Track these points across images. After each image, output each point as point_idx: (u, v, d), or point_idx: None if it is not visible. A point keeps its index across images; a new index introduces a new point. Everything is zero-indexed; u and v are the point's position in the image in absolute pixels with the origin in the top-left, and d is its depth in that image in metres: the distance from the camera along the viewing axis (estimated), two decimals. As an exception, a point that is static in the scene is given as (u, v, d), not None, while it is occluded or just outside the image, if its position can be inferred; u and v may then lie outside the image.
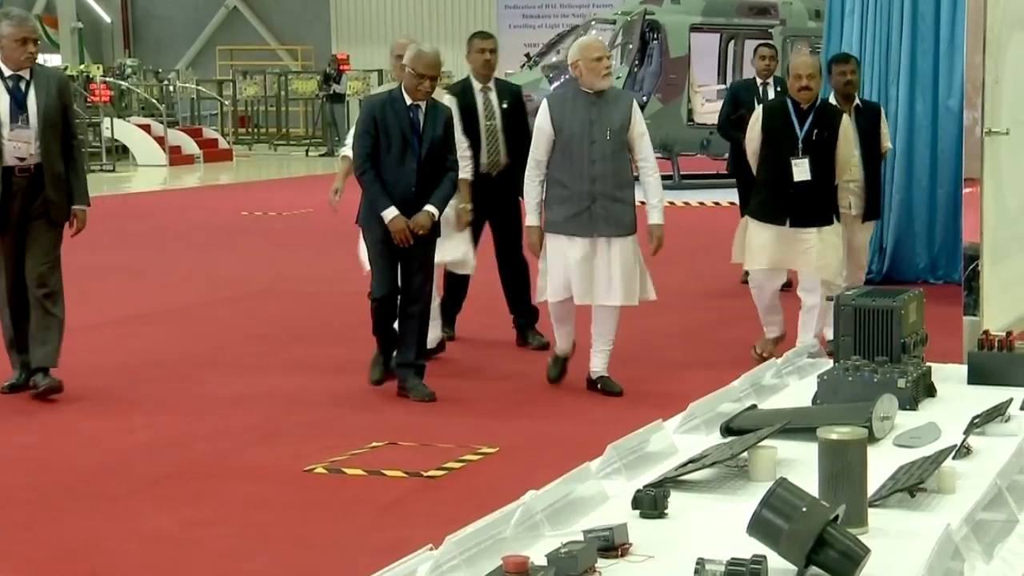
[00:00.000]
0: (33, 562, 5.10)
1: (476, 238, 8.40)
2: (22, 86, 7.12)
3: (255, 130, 31.49)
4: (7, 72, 7.12)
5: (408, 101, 6.98)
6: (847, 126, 7.49)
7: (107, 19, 37.02)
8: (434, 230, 7.12)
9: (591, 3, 29.11)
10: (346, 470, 6.12)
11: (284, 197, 18.25)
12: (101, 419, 7.00)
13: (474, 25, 33.32)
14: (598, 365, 7.00)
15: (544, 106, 7.08)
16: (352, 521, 5.46)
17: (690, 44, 19.57)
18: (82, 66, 27.65)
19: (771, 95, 10.00)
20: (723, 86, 21.40)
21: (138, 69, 29.33)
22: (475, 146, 8.08)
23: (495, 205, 7.99)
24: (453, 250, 7.95)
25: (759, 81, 10.46)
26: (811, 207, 7.37)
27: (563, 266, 7.01)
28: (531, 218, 7.15)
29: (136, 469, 6.16)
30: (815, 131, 7.35)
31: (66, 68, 28.17)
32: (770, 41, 11.20)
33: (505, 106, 8.31)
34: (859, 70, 8.62)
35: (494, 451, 6.38)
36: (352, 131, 7.64)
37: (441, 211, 7.09)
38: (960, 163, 6.76)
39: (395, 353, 7.27)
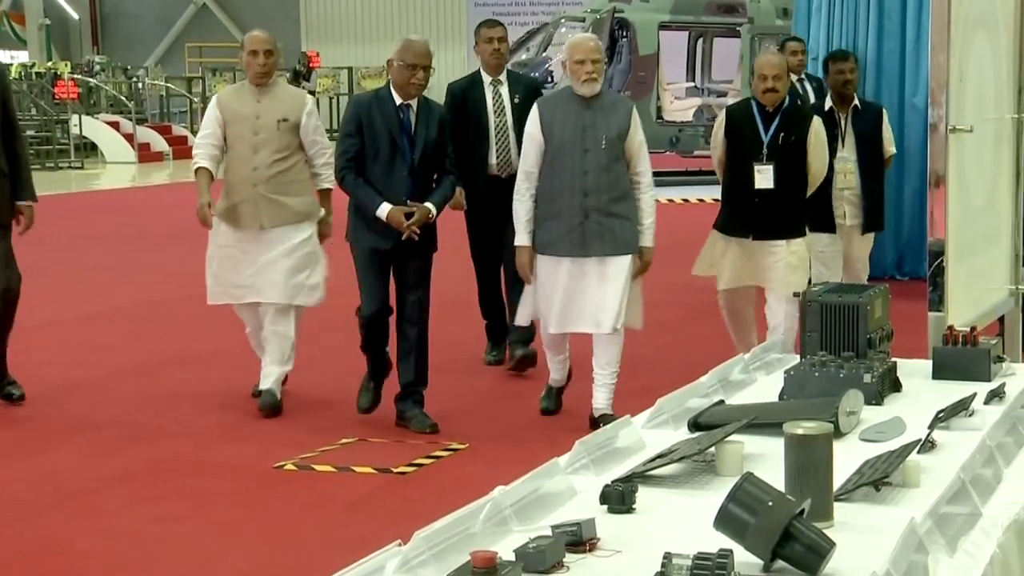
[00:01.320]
0: (1, 560, 5.08)
1: (488, 247, 7.75)
2: None
3: (224, 127, 31.34)
4: None
5: (398, 100, 6.36)
6: (818, 130, 6.89)
7: (75, 16, 36.80)
8: (431, 238, 6.53)
9: (561, 1, 29.16)
10: (316, 467, 6.13)
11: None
12: (67, 416, 6.98)
13: (444, 23, 33.37)
14: (601, 401, 6.29)
15: (534, 111, 6.43)
16: (321, 518, 5.46)
17: (659, 42, 19.61)
18: (50, 63, 27.50)
19: (810, 92, 9.52)
20: (692, 83, 21.51)
21: (107, 66, 29.19)
22: (483, 145, 7.54)
23: (505, 209, 6.78)
24: None
25: (794, 78, 9.47)
26: (777, 218, 6.77)
27: (551, 290, 6.34)
28: (521, 236, 6.40)
29: (104, 466, 6.14)
30: (781, 135, 6.77)
31: (33, 64, 28.01)
32: (797, 36, 10.62)
33: (517, 100, 7.62)
34: (858, 68, 8.16)
35: (464, 447, 6.39)
36: (198, 137, 7.15)
37: (439, 211, 6.51)
38: (925, 160, 6.72)
39: (404, 383, 6.58)
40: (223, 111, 6.94)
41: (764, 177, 6.73)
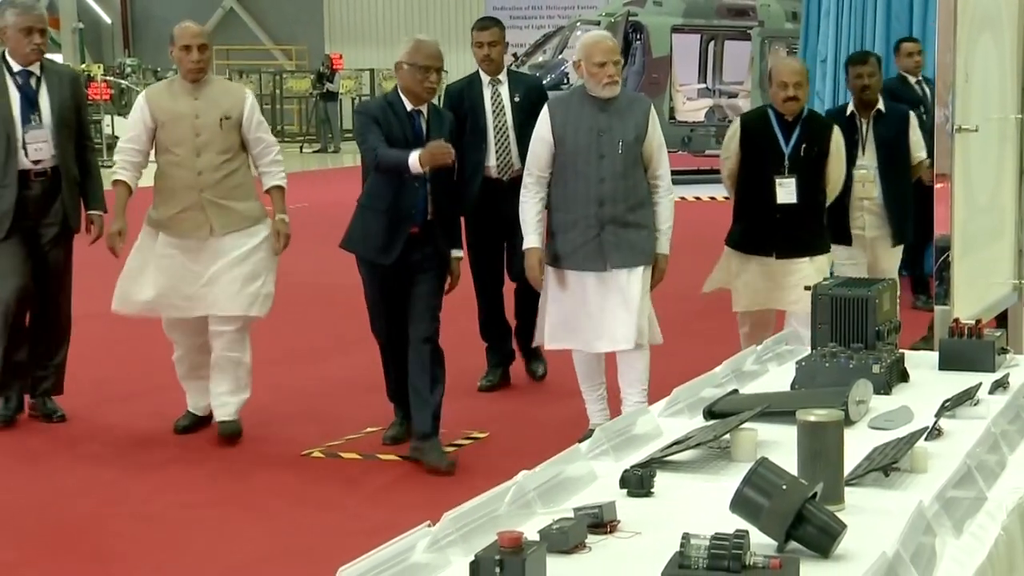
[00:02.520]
0: (40, 541, 5.13)
1: (489, 258, 7.17)
2: (32, 83, 6.39)
3: (250, 127, 31.42)
4: (16, 67, 6.37)
5: (408, 106, 5.77)
6: (838, 140, 6.36)
7: (107, 20, 36.87)
8: (443, 257, 5.87)
9: (576, 4, 29.15)
10: (342, 454, 6.17)
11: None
12: (100, 407, 7.02)
13: (463, 27, 33.34)
14: None
15: (544, 112, 5.86)
16: (348, 503, 5.49)
17: (672, 44, 19.61)
18: (83, 65, 27.54)
19: (928, 94, 8.72)
20: (703, 85, 21.49)
21: (137, 68, 29.26)
22: (482, 147, 6.96)
23: (508, 216, 6.28)
24: None
25: (912, 80, 9.05)
26: (800, 234, 6.18)
27: (568, 307, 5.84)
28: (530, 239, 5.85)
29: (136, 455, 6.19)
30: (803, 146, 6.17)
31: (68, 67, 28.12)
32: (913, 37, 9.90)
33: (518, 100, 7.08)
34: (880, 70, 7.43)
35: (484, 436, 6.41)
36: (121, 142, 6.41)
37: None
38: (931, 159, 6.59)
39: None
40: (155, 112, 6.18)
41: (786, 191, 6.13)
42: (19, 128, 6.31)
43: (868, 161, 7.21)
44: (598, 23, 20.62)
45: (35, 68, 6.40)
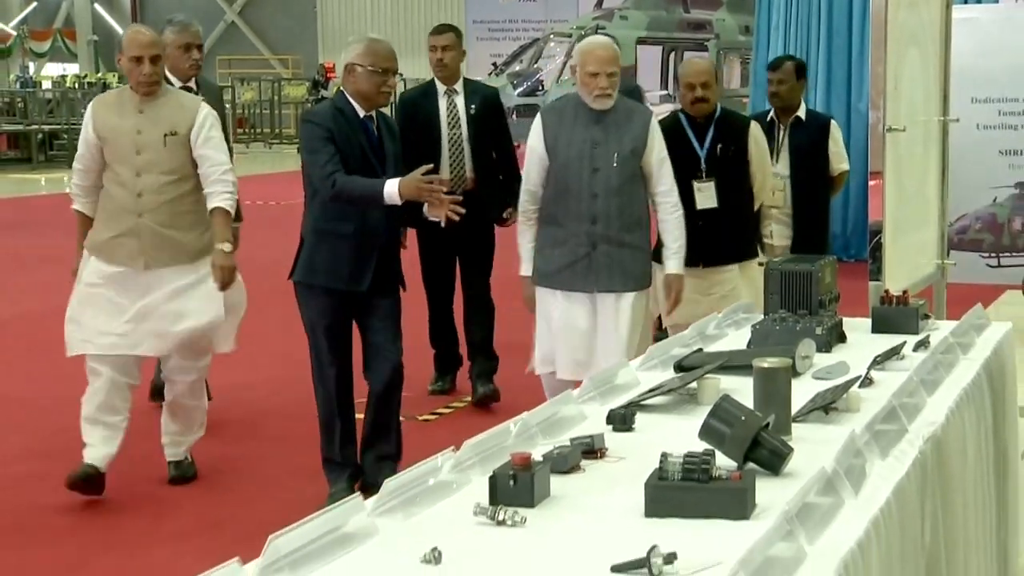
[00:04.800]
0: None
1: (440, 270, 6.61)
2: None
3: (251, 130, 31.56)
4: (176, 84, 5.90)
5: (360, 113, 4.88)
6: (758, 136, 5.72)
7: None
8: (401, 277, 5.06)
9: (549, 19, 29.34)
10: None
11: (278, 189, 18.45)
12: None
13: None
14: None
15: (537, 121, 5.09)
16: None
17: (636, 55, 19.86)
18: (99, 74, 27.59)
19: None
20: (665, 91, 21.77)
21: (148, 77, 29.25)
22: (436, 160, 6.19)
23: (460, 228, 5.44)
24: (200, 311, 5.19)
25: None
26: (726, 240, 5.51)
27: (555, 329, 5.07)
28: (525, 266, 5.15)
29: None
30: (719, 147, 5.53)
31: (85, 75, 28.14)
32: None
33: (474, 111, 6.45)
34: (803, 76, 6.78)
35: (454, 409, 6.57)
36: (75, 162, 5.28)
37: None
38: (867, 158, 6.35)
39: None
40: (98, 127, 5.12)
41: (706, 196, 5.49)
42: None
43: (780, 168, 6.55)
44: (570, 35, 20.88)
45: (191, 84, 6.08)
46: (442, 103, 6.53)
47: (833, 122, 6.96)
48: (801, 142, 6.62)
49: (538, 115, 5.18)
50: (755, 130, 5.72)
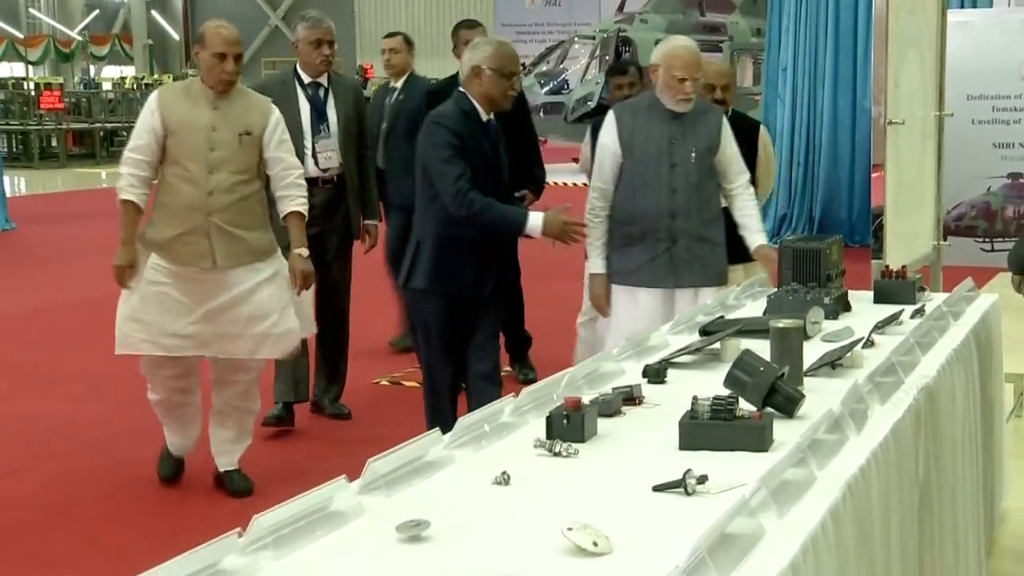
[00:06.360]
0: (116, 485, 5.24)
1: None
2: (321, 94, 5.82)
3: (295, 128, 31.76)
4: (306, 79, 5.79)
5: (483, 117, 4.60)
6: (765, 139, 5.59)
7: (175, 36, 37.10)
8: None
9: (574, 22, 29.46)
10: (404, 383, 6.61)
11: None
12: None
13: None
14: None
15: (610, 118, 4.77)
16: (412, 424, 5.86)
17: (655, 56, 19.99)
18: (154, 76, 27.92)
19: None
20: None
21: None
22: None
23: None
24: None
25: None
26: (732, 240, 4.92)
27: (629, 329, 4.37)
28: (594, 263, 4.80)
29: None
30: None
31: (142, 77, 28.50)
32: None
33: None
34: (643, 80, 6.03)
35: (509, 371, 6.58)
36: (127, 151, 4.71)
37: None
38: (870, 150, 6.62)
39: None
40: (166, 118, 4.70)
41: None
42: (309, 138, 5.72)
43: None
44: (593, 38, 21.03)
45: (323, 80, 5.81)
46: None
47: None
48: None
49: (610, 112, 4.85)
50: (764, 133, 5.62)
